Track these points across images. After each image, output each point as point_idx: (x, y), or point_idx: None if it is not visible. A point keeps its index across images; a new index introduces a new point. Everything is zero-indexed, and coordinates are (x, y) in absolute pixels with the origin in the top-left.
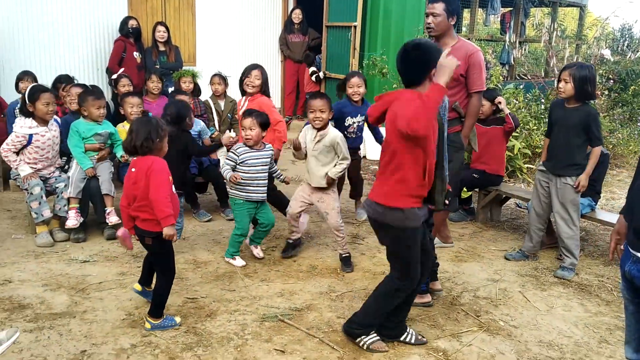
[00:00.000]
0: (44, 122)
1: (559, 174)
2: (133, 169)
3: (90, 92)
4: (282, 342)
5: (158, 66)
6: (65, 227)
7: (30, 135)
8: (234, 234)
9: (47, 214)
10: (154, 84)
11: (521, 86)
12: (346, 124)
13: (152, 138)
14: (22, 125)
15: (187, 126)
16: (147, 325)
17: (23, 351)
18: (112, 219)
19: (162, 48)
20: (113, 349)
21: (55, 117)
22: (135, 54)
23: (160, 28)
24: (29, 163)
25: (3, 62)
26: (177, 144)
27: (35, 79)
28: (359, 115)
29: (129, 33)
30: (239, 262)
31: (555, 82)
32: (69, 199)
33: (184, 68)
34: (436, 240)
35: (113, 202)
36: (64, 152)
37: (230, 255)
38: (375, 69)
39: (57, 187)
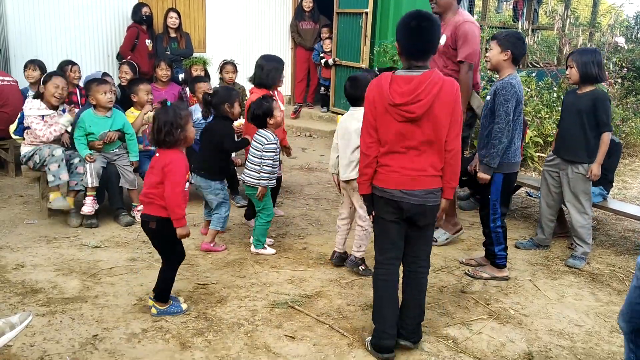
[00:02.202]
0: (52, 106)
1: (569, 160)
2: (157, 155)
3: (93, 79)
4: (292, 328)
5: (169, 53)
6: (81, 212)
7: (42, 117)
8: (265, 222)
9: (64, 177)
10: (162, 72)
11: (533, 74)
12: None
13: (173, 131)
14: (31, 107)
15: (226, 113)
16: (153, 311)
17: (36, 335)
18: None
19: (173, 35)
20: (124, 334)
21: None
22: (148, 42)
23: (172, 14)
24: (32, 142)
25: (15, 50)
26: (213, 135)
27: (41, 67)
28: None
29: (142, 20)
30: (269, 250)
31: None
32: (104, 193)
33: (194, 55)
34: (445, 234)
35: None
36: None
37: (262, 245)
38: (387, 57)
39: (73, 163)
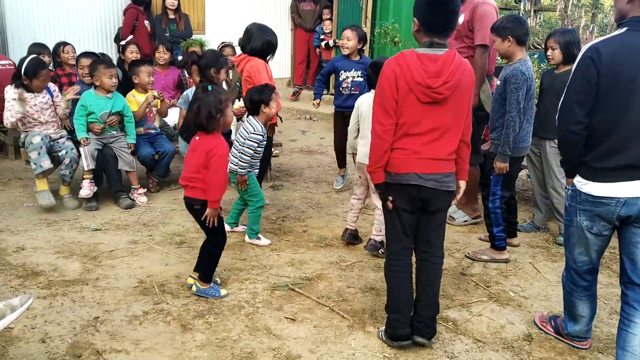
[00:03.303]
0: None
1: (546, 137)
2: (197, 138)
3: (102, 60)
4: (293, 310)
5: (168, 34)
6: (79, 196)
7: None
8: (254, 208)
9: (46, 164)
10: (160, 55)
11: (535, 56)
12: (340, 79)
13: (214, 115)
14: (15, 91)
15: (212, 77)
16: (194, 289)
17: (37, 317)
18: (142, 199)
19: (171, 16)
20: (125, 316)
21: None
22: (147, 23)
23: None
24: (24, 126)
25: (12, 32)
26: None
27: (49, 53)
28: (354, 69)
29: (141, 1)
30: (264, 241)
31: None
32: (102, 177)
33: (193, 37)
34: (464, 216)
35: (137, 178)
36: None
37: (255, 235)
38: (387, 38)
39: (60, 154)
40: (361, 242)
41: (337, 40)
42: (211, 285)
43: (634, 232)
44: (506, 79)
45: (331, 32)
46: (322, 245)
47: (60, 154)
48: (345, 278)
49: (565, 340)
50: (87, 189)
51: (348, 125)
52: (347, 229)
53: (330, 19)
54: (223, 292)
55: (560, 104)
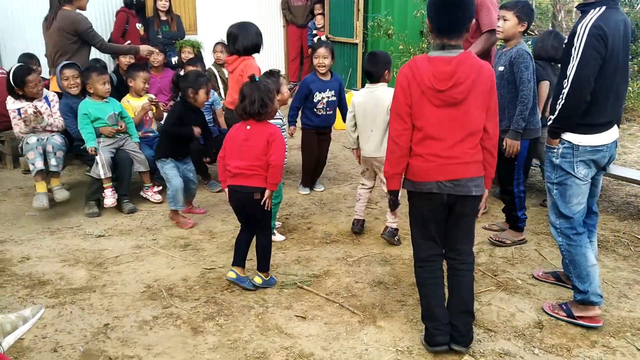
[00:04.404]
0: (27, 99)
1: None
2: (248, 127)
3: (94, 67)
4: (303, 308)
5: (160, 36)
6: (105, 206)
7: (18, 110)
8: (274, 204)
9: (39, 164)
10: (154, 57)
11: (529, 42)
12: (315, 100)
13: (267, 103)
14: (7, 102)
15: (189, 98)
16: (258, 280)
17: (47, 327)
18: (157, 197)
19: (163, 18)
20: (135, 321)
21: (46, 92)
22: (138, 26)
23: None
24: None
25: (4, 38)
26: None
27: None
28: (328, 89)
29: (131, 4)
30: (279, 237)
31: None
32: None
33: (185, 38)
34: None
35: (150, 177)
36: (77, 138)
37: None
38: (381, 31)
39: (52, 144)
40: (400, 243)
41: (329, 35)
42: (270, 274)
43: (597, 173)
44: (512, 60)
45: (323, 26)
46: (327, 242)
47: (51, 144)
48: (353, 273)
49: (580, 322)
50: (110, 197)
51: (322, 142)
52: (357, 220)
53: (322, 14)
54: (275, 276)
55: (573, 75)
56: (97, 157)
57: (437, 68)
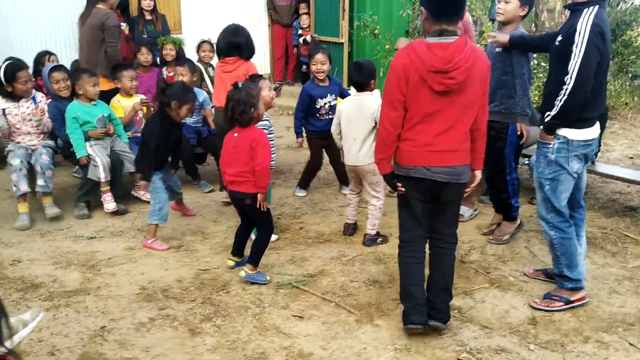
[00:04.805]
0: (12, 98)
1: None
2: (235, 134)
3: (83, 69)
4: (299, 308)
5: (145, 36)
6: (106, 211)
7: (4, 110)
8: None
9: (23, 187)
10: (144, 57)
11: None
12: (317, 106)
13: (247, 110)
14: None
15: (170, 110)
16: (242, 273)
17: (42, 330)
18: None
19: (148, 17)
20: (132, 324)
21: (34, 92)
22: (123, 25)
23: None
24: (5, 137)
25: None
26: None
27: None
28: (329, 94)
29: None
30: (272, 237)
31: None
32: (99, 183)
33: (169, 36)
34: (468, 210)
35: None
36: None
37: None
38: (367, 31)
39: (41, 165)
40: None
41: (314, 35)
42: (257, 270)
43: (584, 167)
44: (513, 43)
45: (309, 26)
46: (320, 241)
47: (40, 165)
48: (348, 273)
49: (576, 304)
50: (111, 202)
51: (331, 149)
52: (348, 224)
53: (308, 13)
54: (268, 277)
55: (576, 72)
56: (98, 160)
57: (436, 53)
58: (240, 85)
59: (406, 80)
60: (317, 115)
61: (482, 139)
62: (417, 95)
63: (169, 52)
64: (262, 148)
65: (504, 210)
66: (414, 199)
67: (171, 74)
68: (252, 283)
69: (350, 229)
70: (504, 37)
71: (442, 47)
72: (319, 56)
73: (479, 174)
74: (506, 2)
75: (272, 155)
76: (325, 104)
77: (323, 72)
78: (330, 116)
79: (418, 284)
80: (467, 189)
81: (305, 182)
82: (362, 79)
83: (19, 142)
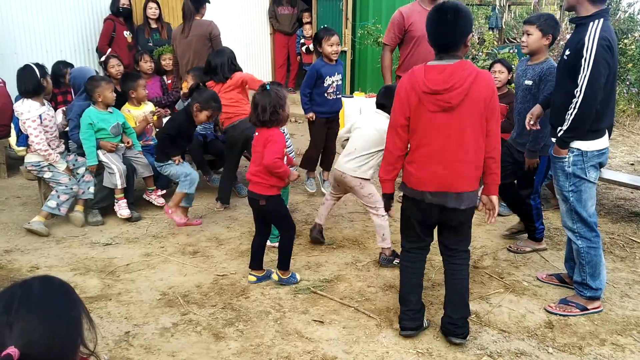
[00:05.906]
0: (42, 102)
1: None
2: (257, 133)
3: (101, 76)
4: (319, 312)
5: (151, 44)
6: (120, 217)
7: (40, 116)
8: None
9: (63, 211)
10: (147, 64)
11: (512, 50)
12: (325, 85)
13: (278, 111)
14: (30, 110)
15: (192, 111)
16: (275, 277)
17: None
18: (160, 200)
19: (153, 25)
20: (156, 329)
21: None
22: (126, 33)
23: (152, 5)
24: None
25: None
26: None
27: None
28: (336, 73)
29: (118, 12)
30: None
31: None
32: (114, 190)
33: (166, 46)
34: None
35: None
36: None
37: (277, 238)
38: (370, 39)
39: (78, 173)
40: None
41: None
42: (290, 274)
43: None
44: (542, 77)
45: (311, 35)
46: (334, 247)
47: (79, 171)
48: (364, 278)
49: (592, 311)
50: (126, 209)
51: (329, 131)
52: (314, 225)
53: (311, 23)
54: (298, 277)
55: (586, 85)
56: (114, 167)
57: (432, 74)
58: (268, 87)
59: (408, 104)
60: (325, 94)
61: (496, 168)
62: (419, 117)
63: (168, 62)
64: (272, 145)
65: (528, 231)
66: (414, 221)
67: (169, 82)
68: (280, 285)
69: (315, 232)
70: (537, 110)
71: (438, 69)
72: (335, 38)
73: (494, 199)
74: (528, 35)
75: (291, 155)
76: (333, 82)
77: (337, 53)
78: (337, 96)
79: (413, 292)
80: (489, 220)
81: (308, 166)
82: (389, 102)
83: (54, 149)
